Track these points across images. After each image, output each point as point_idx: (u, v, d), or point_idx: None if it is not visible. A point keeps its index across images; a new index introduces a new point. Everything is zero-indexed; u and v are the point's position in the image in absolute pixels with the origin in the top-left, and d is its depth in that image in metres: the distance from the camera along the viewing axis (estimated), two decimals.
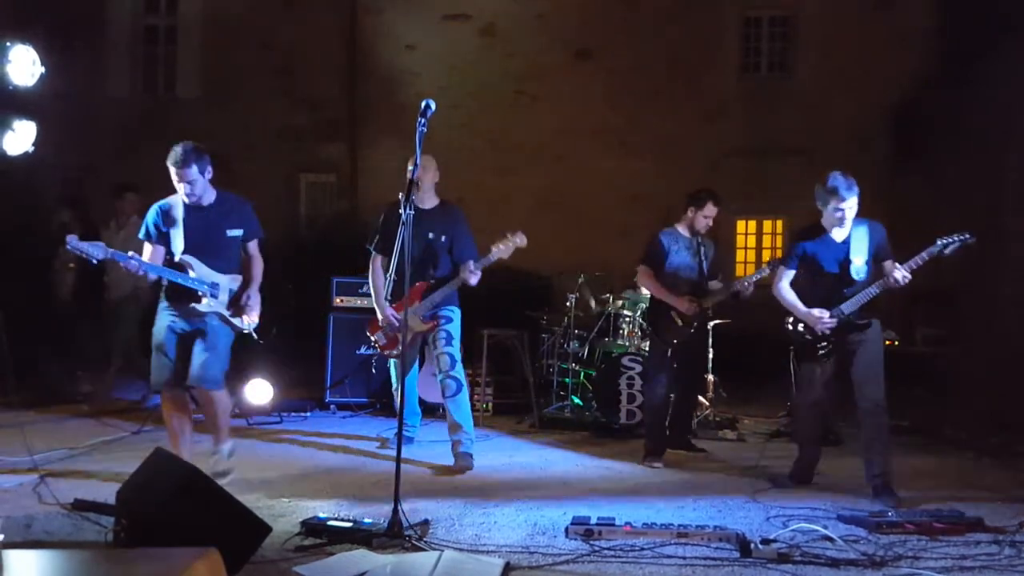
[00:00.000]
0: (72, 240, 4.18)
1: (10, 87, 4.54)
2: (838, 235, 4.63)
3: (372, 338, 5.56)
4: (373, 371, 7.19)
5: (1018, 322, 8.59)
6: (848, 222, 4.58)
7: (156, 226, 4.51)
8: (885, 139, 11.53)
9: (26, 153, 4.70)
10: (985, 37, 9.64)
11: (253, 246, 4.73)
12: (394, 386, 5.61)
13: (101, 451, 5.42)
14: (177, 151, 4.40)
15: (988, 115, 9.32)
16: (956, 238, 4.36)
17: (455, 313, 5.39)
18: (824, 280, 4.64)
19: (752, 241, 12.35)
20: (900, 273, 4.41)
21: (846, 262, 4.59)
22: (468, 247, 5.34)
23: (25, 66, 4.57)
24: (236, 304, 4.59)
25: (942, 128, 10.22)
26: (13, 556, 2.09)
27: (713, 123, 11.90)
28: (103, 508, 3.74)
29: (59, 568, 2.08)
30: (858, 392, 4.62)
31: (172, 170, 4.40)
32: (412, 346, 5.42)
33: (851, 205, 4.52)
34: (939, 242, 4.40)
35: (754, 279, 5.65)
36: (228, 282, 4.58)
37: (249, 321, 4.65)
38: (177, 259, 4.48)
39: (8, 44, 4.50)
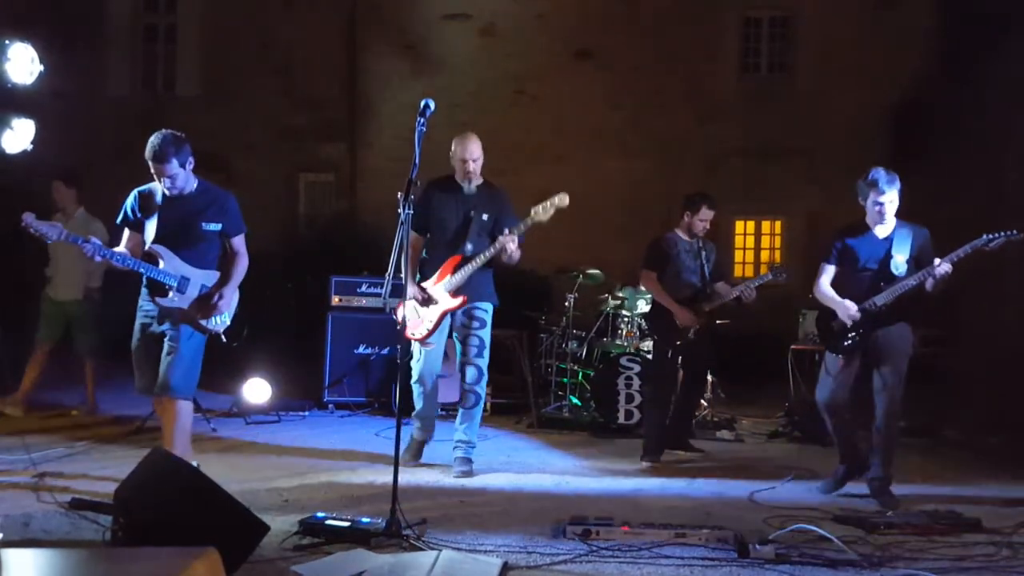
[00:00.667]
0: (28, 218, 4.00)
1: (9, 85, 4.53)
2: (881, 232, 4.59)
3: (397, 316, 4.78)
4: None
5: (1018, 322, 8.59)
6: (889, 217, 4.52)
7: (133, 211, 4.32)
8: (885, 139, 11.51)
9: (25, 151, 4.70)
10: (985, 37, 9.64)
11: (238, 241, 4.43)
12: (417, 376, 5.08)
13: (99, 449, 5.41)
14: (154, 143, 4.16)
15: (988, 115, 9.31)
16: (1003, 234, 4.31)
17: (488, 314, 5.02)
18: (862, 275, 4.60)
19: (751, 241, 12.35)
20: (944, 267, 4.34)
21: (887, 258, 4.54)
22: (512, 223, 4.94)
23: (24, 64, 4.57)
24: (204, 302, 4.27)
25: (942, 128, 10.22)
26: (11, 555, 2.09)
27: (713, 123, 11.90)
28: (101, 507, 3.73)
29: (57, 567, 2.08)
30: (880, 394, 4.55)
31: (150, 165, 4.19)
32: (438, 327, 4.95)
33: (891, 199, 4.49)
34: (985, 236, 4.34)
35: (756, 284, 5.65)
36: (201, 277, 4.31)
37: (217, 321, 4.34)
38: (147, 248, 4.28)
39: (7, 42, 4.50)
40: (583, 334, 7.56)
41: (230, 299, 4.36)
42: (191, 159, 4.28)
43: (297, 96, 12.44)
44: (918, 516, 4.06)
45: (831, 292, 4.70)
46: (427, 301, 4.94)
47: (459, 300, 4.91)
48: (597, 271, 7.55)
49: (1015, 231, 4.31)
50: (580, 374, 7.48)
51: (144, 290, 4.37)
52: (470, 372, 4.99)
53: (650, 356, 6.60)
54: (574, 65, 12.14)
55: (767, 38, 12.38)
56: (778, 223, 12.25)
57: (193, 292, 4.28)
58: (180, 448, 4.23)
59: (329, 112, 12.52)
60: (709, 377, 7.03)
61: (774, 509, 4.34)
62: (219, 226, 4.34)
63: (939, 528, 3.88)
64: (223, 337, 4.44)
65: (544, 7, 12.06)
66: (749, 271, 12.01)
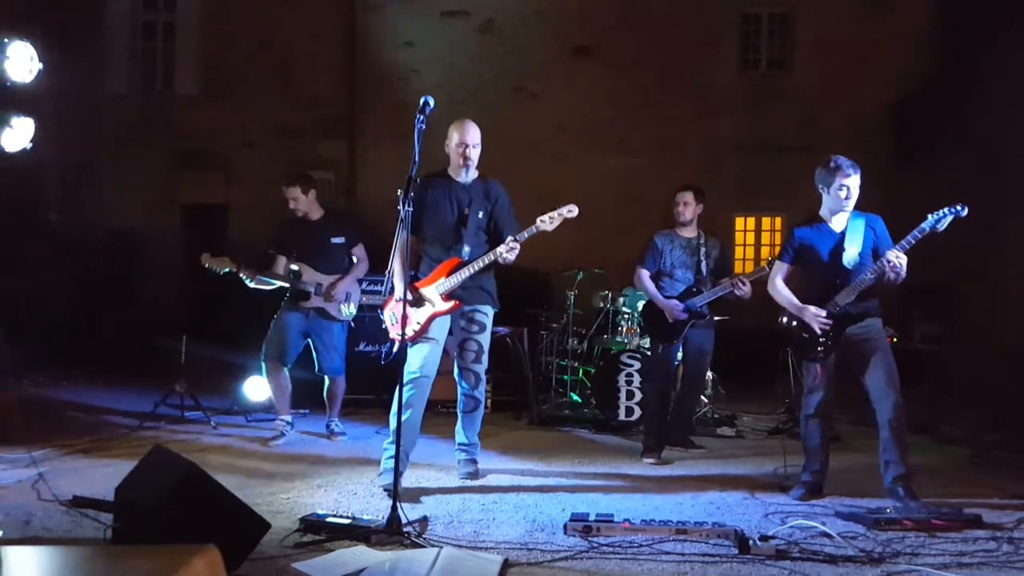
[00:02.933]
0: (205, 257, 5.54)
1: (8, 84, 4.53)
2: (836, 224, 4.55)
3: (386, 315, 4.86)
4: (382, 363, 6.98)
5: (1017, 319, 8.60)
6: (851, 204, 4.47)
7: (281, 239, 5.86)
8: (884, 136, 11.53)
9: (24, 150, 4.69)
10: (984, 35, 9.64)
11: (358, 250, 5.90)
12: (420, 372, 4.69)
13: (100, 448, 5.41)
14: (290, 176, 5.98)
15: (987, 112, 9.32)
16: (947, 211, 4.20)
17: (488, 318, 4.82)
18: (820, 272, 4.54)
19: (751, 238, 12.36)
20: (893, 253, 4.26)
21: (838, 250, 4.49)
22: (511, 224, 4.80)
23: (23, 62, 4.55)
24: (329, 295, 5.71)
25: (941, 125, 10.22)
26: (11, 553, 2.08)
27: (712, 120, 11.91)
28: (102, 505, 3.73)
29: (57, 565, 2.08)
30: (880, 397, 4.44)
31: (284, 188, 5.86)
32: (426, 329, 4.68)
33: (855, 183, 4.44)
34: (929, 217, 4.24)
35: (750, 278, 5.64)
36: (332, 281, 5.76)
37: (347, 312, 5.83)
38: (292, 266, 5.73)
39: (6, 40, 4.49)
40: (583, 331, 7.56)
41: (344, 291, 5.78)
42: (313, 191, 5.89)
43: (296, 94, 12.43)
44: (919, 512, 4.05)
45: (790, 295, 4.58)
46: (418, 302, 4.70)
47: (450, 304, 4.68)
48: (598, 269, 7.57)
49: (959, 207, 4.17)
50: (580, 371, 7.49)
51: (287, 296, 5.78)
52: (468, 378, 4.80)
53: (649, 353, 6.60)
54: (573, 62, 12.14)
55: (766, 34, 12.39)
56: (778, 219, 12.26)
57: (329, 293, 5.73)
58: (336, 409, 6.03)
59: (328, 110, 12.52)
60: (709, 374, 7.04)
61: (774, 505, 4.35)
62: (343, 239, 5.83)
63: (939, 524, 3.88)
64: (352, 324, 5.96)
65: (543, 3, 12.07)
66: (750, 267, 11.99)
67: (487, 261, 4.66)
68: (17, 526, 3.59)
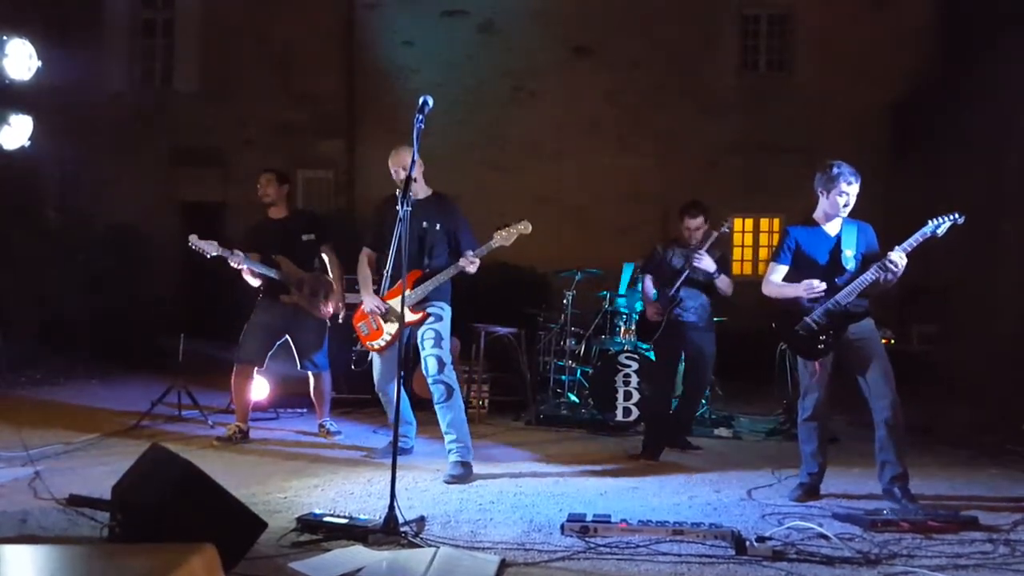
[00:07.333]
0: (193, 238, 5.51)
1: (6, 81, 4.53)
2: (830, 228, 4.58)
3: (357, 326, 5.22)
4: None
5: (1015, 320, 8.60)
6: (847, 211, 4.50)
7: (253, 237, 5.81)
8: (884, 137, 11.54)
9: (23, 148, 4.69)
10: (984, 35, 9.65)
11: (327, 248, 5.86)
12: (376, 386, 5.21)
13: (97, 446, 5.41)
14: (267, 168, 5.89)
15: (987, 113, 9.32)
16: (946, 218, 4.28)
17: (445, 311, 5.04)
18: (815, 273, 4.54)
19: (749, 239, 12.36)
20: (897, 254, 4.28)
21: (836, 252, 4.51)
22: (468, 239, 5.06)
23: (22, 60, 4.56)
24: (313, 294, 5.73)
25: (941, 126, 10.23)
26: (7, 551, 2.08)
27: (711, 120, 11.91)
28: (98, 504, 3.73)
29: (54, 563, 2.07)
30: (876, 398, 4.44)
31: (261, 178, 5.81)
32: (396, 339, 4.91)
33: (855, 191, 4.47)
34: (931, 223, 4.30)
35: (705, 246, 5.71)
36: (311, 277, 5.77)
37: (326, 311, 5.80)
38: (273, 257, 5.66)
39: (4, 38, 4.49)
40: (581, 332, 7.56)
41: (328, 289, 5.80)
42: (286, 186, 5.86)
43: (295, 92, 12.43)
44: (915, 513, 4.06)
45: (785, 284, 4.59)
46: (387, 314, 5.03)
47: (418, 316, 4.97)
48: (596, 269, 7.57)
49: (957, 215, 4.26)
50: (578, 372, 7.48)
51: (262, 294, 5.74)
52: (430, 363, 4.91)
53: (648, 354, 6.61)
54: (573, 61, 12.14)
55: (765, 35, 12.40)
56: (776, 220, 12.25)
57: (307, 288, 5.73)
58: (325, 406, 5.97)
59: (327, 108, 12.52)
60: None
61: (771, 506, 4.35)
62: (313, 236, 5.82)
63: (936, 525, 3.88)
64: (338, 319, 5.91)
65: (543, 3, 12.06)
66: (748, 268, 12.02)
67: (451, 274, 4.95)
68: (13, 525, 3.58)
